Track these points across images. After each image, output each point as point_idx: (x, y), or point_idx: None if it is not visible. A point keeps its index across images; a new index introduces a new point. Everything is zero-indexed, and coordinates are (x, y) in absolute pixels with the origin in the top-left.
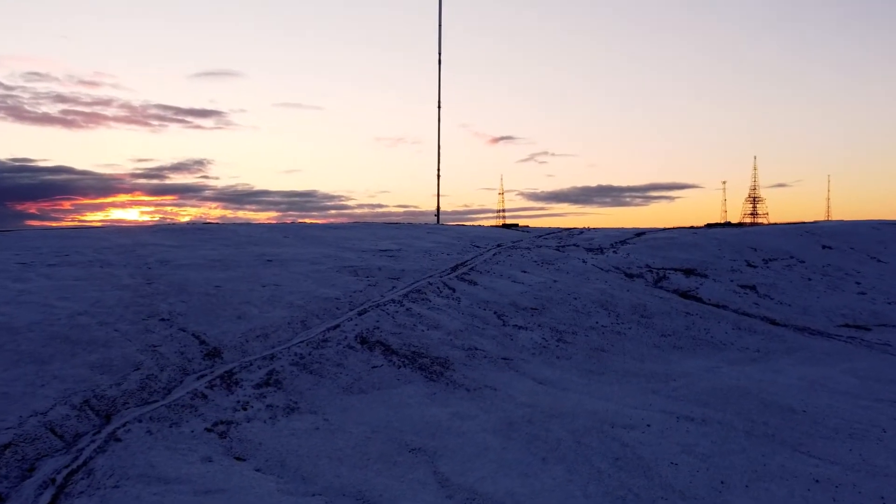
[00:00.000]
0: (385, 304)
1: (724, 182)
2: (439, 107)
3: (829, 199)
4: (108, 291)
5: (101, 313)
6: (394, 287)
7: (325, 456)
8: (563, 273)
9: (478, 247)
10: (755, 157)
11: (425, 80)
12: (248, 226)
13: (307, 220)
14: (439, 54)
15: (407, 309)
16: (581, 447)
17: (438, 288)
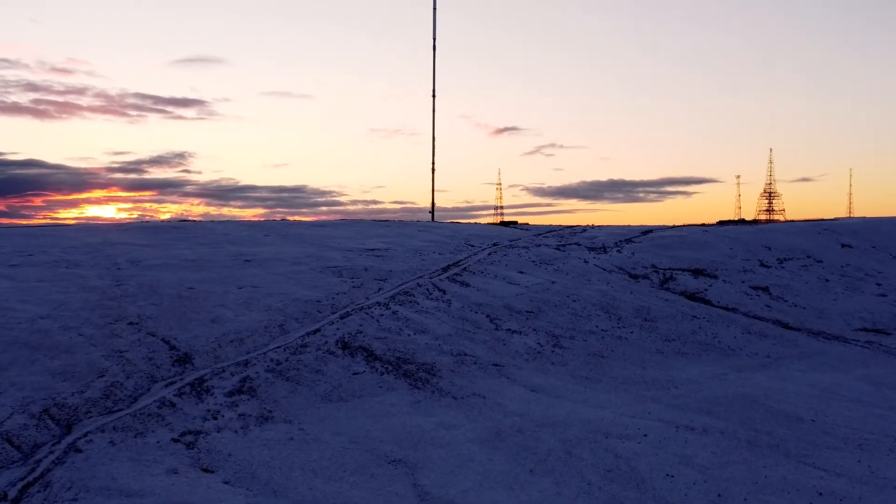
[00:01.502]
0: (370, 307)
1: (739, 176)
2: (434, 95)
3: (850, 194)
4: (73, 293)
5: (65, 317)
6: (380, 289)
7: (298, 468)
8: (562, 274)
9: (472, 246)
10: (771, 150)
11: (423, 67)
12: (226, 224)
13: (295, 218)
14: (434, 38)
15: (393, 312)
16: (572, 458)
17: (428, 290)
